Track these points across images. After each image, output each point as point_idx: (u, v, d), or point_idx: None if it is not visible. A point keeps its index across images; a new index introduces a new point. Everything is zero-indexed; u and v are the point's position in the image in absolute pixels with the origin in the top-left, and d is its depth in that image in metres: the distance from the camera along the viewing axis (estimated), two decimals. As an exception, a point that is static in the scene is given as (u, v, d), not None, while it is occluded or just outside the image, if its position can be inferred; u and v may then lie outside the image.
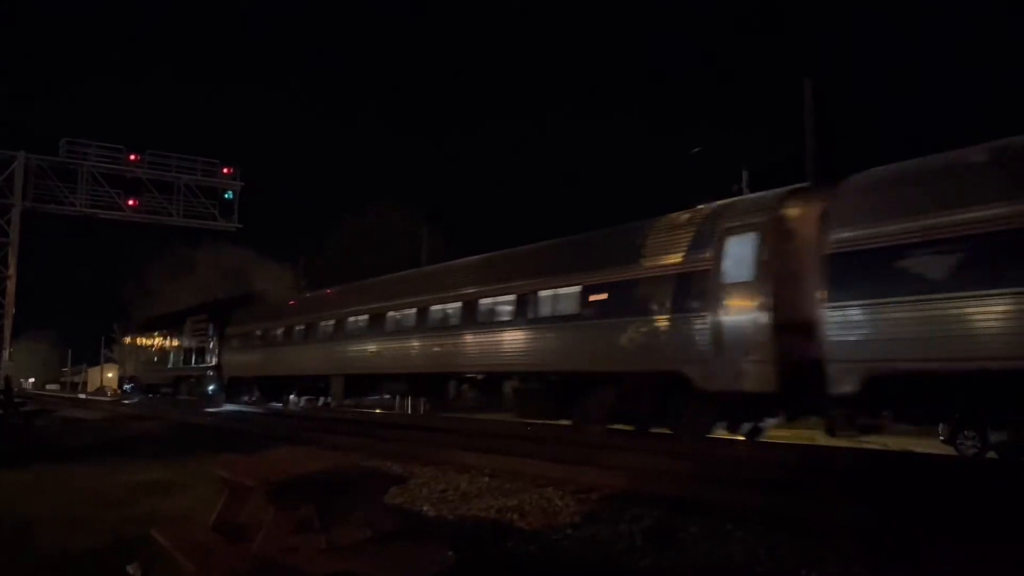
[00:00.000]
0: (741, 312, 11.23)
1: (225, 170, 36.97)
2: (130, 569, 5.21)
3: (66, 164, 33.29)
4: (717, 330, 11.47)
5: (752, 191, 20.29)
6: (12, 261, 32.25)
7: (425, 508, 7.44)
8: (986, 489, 7.74)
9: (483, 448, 11.79)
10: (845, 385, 9.71)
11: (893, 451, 13.34)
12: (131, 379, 44.75)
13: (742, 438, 12.58)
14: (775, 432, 15.51)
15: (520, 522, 6.75)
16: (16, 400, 23.71)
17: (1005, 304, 8.38)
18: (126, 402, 33.72)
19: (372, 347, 20.65)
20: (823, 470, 9.17)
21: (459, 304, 17.30)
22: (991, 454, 12.71)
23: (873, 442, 14.88)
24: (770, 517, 6.37)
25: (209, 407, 27.27)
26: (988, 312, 8.49)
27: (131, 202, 34.56)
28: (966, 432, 13.45)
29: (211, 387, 31.64)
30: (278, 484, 4.12)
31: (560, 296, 14.69)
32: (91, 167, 33.62)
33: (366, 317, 21.19)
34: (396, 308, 19.94)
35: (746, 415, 12.27)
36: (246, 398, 29.29)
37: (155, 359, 37.24)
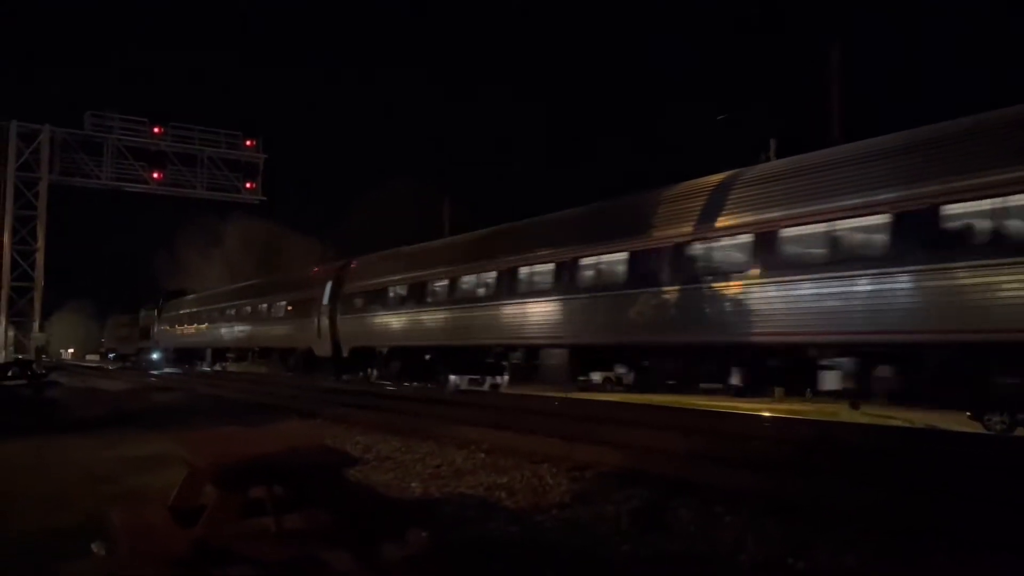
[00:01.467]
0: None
1: (248, 142, 36.98)
2: (94, 547, 5.09)
3: (91, 137, 33.51)
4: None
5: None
6: (40, 233, 32.65)
7: (414, 485, 7.28)
8: (1007, 469, 7.36)
9: (491, 423, 11.62)
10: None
11: (913, 428, 12.92)
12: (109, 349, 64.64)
13: None
14: (799, 407, 15.16)
15: (508, 500, 6.55)
16: (40, 372, 24.16)
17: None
18: (155, 373, 34.16)
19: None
20: (831, 448, 8.83)
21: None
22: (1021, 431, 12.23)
23: (898, 417, 14.47)
24: (764, 499, 6.09)
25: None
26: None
27: (155, 175, 34.75)
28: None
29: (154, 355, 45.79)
30: (221, 467, 3.93)
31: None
32: (116, 140, 33.80)
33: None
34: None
35: None
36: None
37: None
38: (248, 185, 36.88)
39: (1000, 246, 9.47)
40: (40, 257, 32.69)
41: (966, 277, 9.64)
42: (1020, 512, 5.34)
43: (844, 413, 15.66)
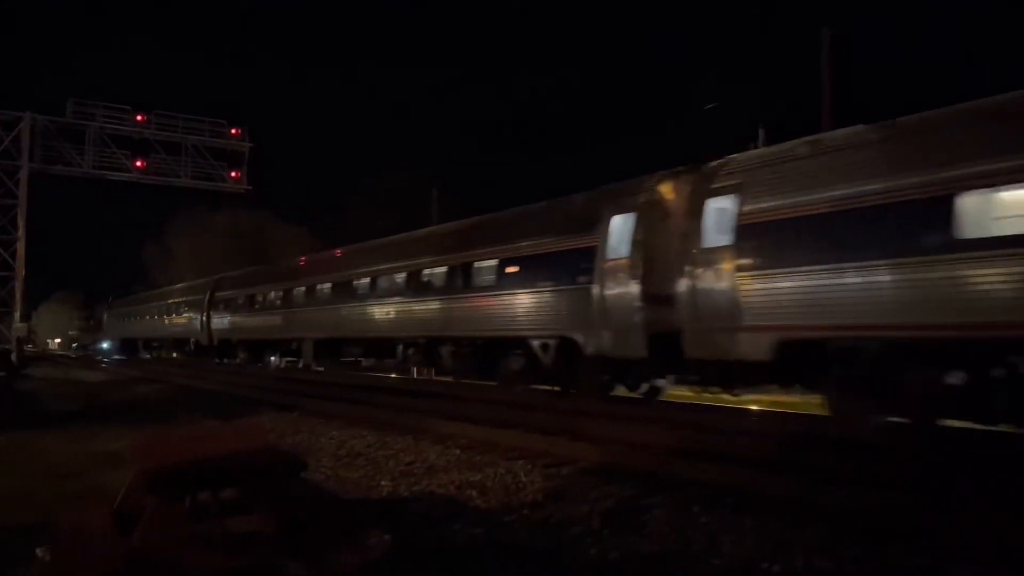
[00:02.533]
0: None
1: (233, 131, 36.46)
2: (39, 552, 4.86)
3: (73, 125, 32.92)
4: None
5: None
6: (21, 223, 32.14)
7: (383, 483, 7.07)
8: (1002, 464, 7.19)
9: (470, 417, 11.41)
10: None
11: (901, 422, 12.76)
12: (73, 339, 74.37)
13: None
14: (789, 399, 14.98)
15: (479, 499, 6.35)
16: (17, 363, 23.84)
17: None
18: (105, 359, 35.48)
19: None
20: (815, 443, 8.65)
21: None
22: None
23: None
24: (742, 498, 5.91)
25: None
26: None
27: (139, 163, 34.18)
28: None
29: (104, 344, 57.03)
30: (157, 471, 3.70)
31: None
32: (98, 128, 33.26)
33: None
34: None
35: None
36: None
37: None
38: (233, 174, 36.37)
39: None
40: (21, 246, 32.19)
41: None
42: (1010, 513, 5.16)
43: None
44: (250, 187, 37.21)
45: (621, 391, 13.75)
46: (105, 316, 57.09)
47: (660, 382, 13.42)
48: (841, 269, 9.07)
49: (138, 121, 34.27)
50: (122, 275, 72.75)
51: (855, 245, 8.90)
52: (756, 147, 23.76)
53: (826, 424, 9.83)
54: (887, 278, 8.64)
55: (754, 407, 13.01)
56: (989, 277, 7.83)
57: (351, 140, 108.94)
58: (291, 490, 4.23)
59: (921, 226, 8.40)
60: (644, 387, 13.56)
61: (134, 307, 48.35)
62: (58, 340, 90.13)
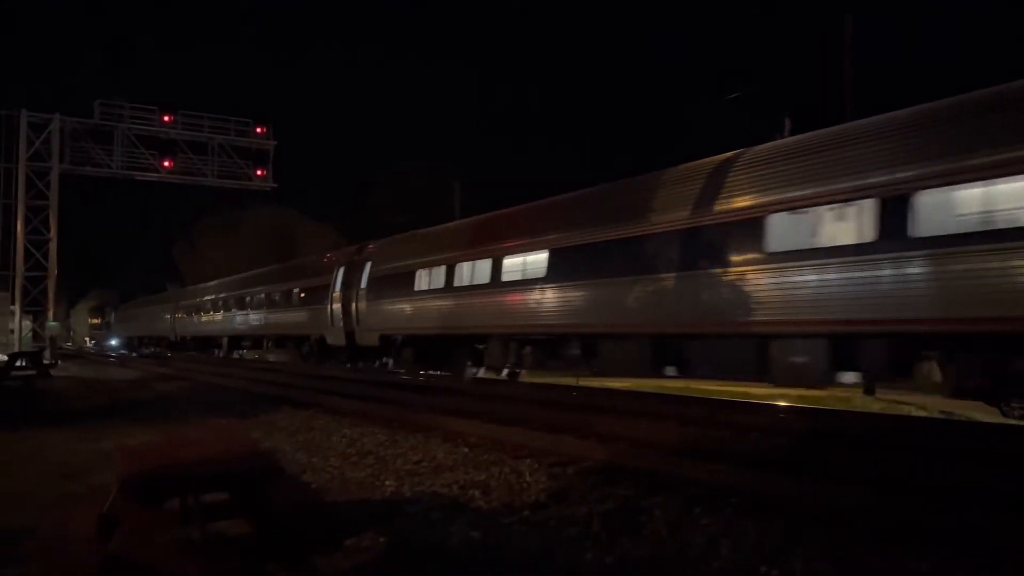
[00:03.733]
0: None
1: (259, 129, 36.73)
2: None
3: (101, 126, 33.35)
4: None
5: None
6: (53, 223, 32.65)
7: (388, 483, 7.02)
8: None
9: (484, 414, 11.38)
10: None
11: (927, 417, 12.50)
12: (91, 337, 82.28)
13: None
14: (815, 393, 14.68)
15: (481, 500, 6.28)
16: (48, 362, 24.27)
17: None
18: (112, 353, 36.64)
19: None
20: (829, 440, 8.47)
21: None
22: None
23: (912, 404, 14.03)
24: (746, 498, 5.78)
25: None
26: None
27: (166, 163, 34.55)
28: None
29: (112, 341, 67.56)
30: (132, 477, 3.68)
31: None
32: (126, 128, 33.68)
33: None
34: None
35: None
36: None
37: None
38: (259, 172, 36.63)
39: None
40: (53, 246, 32.73)
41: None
42: (1014, 511, 4.98)
43: (858, 400, 15.24)
44: (275, 185, 37.48)
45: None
46: (113, 319, 70.07)
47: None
48: (401, 299, 19.94)
49: (165, 121, 34.65)
50: (157, 273, 73.94)
51: (404, 284, 19.75)
52: (782, 137, 23.42)
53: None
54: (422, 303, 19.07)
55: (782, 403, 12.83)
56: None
57: (375, 136, 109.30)
58: (275, 494, 4.18)
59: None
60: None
61: (136, 309, 58.44)
62: (112, 340, 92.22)
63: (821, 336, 10.12)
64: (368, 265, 21.95)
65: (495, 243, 16.47)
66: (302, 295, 26.77)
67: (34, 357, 22.49)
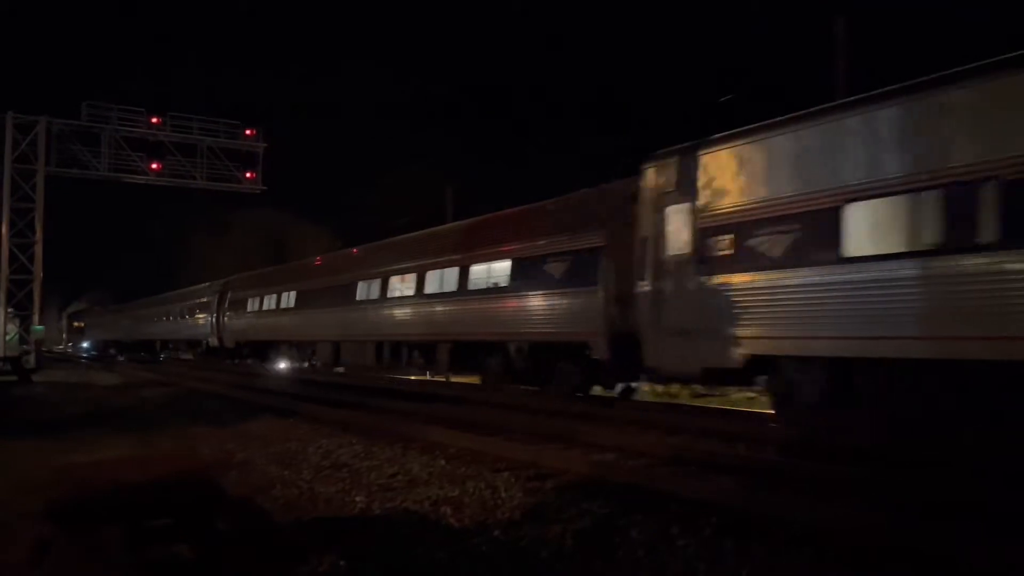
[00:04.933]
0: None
1: (248, 132, 36.42)
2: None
3: (88, 128, 33.00)
4: None
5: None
6: (38, 226, 32.25)
7: (358, 498, 6.76)
8: None
9: (462, 423, 11.14)
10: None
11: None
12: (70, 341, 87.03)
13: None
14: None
15: (452, 517, 6.03)
16: (29, 367, 23.93)
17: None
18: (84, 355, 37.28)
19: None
20: (818, 451, 8.23)
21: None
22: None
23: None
24: (728, 516, 5.54)
25: None
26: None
27: (154, 165, 34.20)
28: None
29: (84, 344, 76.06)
30: (62, 503, 3.43)
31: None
32: (113, 131, 33.33)
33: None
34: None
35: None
36: None
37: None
38: (248, 175, 36.31)
39: None
40: (39, 250, 32.36)
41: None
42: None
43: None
44: (265, 187, 37.11)
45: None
46: (85, 323, 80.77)
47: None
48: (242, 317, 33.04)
49: (152, 123, 34.27)
50: (148, 276, 73.63)
51: (243, 307, 32.76)
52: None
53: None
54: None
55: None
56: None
57: (365, 139, 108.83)
58: (221, 518, 3.93)
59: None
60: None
61: (106, 316, 68.98)
62: (85, 343, 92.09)
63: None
64: (229, 293, 34.88)
65: (277, 286, 30.33)
66: (197, 311, 39.48)
67: (15, 362, 22.14)
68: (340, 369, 26.64)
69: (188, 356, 43.20)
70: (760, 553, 4.79)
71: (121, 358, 49.43)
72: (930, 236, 8.33)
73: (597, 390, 14.53)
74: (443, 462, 8.20)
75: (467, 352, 17.73)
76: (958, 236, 8.05)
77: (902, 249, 8.56)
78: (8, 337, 31.96)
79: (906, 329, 8.42)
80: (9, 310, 31.90)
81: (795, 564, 4.61)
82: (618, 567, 4.76)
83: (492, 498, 6.55)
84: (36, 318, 32.52)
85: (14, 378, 20.87)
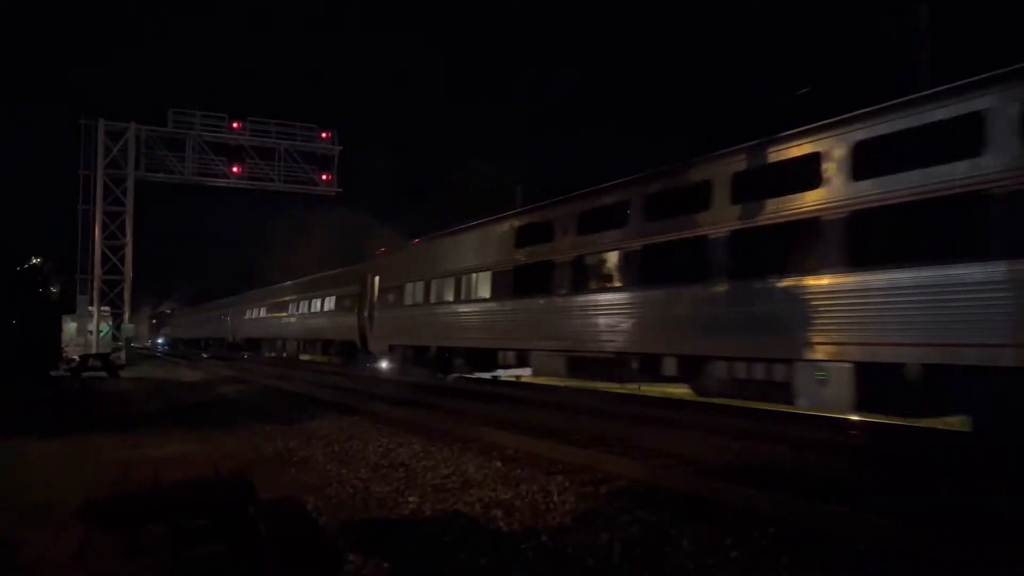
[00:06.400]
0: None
1: (324, 135, 37.27)
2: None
3: (174, 134, 34.41)
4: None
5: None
6: (129, 228, 33.82)
7: (411, 499, 6.75)
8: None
9: (526, 425, 11.07)
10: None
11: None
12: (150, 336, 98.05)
13: None
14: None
15: (502, 521, 5.96)
16: (119, 363, 25.02)
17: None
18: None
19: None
20: (894, 459, 7.83)
21: None
22: None
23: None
24: (785, 527, 5.30)
25: None
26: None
27: (235, 169, 35.44)
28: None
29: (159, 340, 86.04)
30: (94, 502, 3.49)
31: None
32: (197, 136, 34.64)
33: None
34: None
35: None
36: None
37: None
38: (324, 177, 37.20)
39: None
40: (129, 251, 33.90)
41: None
42: None
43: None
44: (340, 189, 37.95)
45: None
46: (159, 323, 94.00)
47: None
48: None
49: (234, 128, 35.47)
50: (232, 276, 76.44)
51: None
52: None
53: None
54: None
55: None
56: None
57: (436, 138, 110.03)
58: (262, 518, 3.95)
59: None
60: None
61: (177, 315, 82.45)
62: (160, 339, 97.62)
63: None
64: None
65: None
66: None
67: (104, 358, 23.19)
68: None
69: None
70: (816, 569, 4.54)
71: (205, 355, 51.24)
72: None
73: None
74: (499, 464, 8.13)
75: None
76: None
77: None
78: (102, 334, 33.63)
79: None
80: (104, 308, 33.61)
81: None
82: (664, 578, 4.59)
83: (544, 502, 6.45)
84: (126, 316, 34.09)
85: (104, 374, 21.78)
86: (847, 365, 9.40)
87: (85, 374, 21.41)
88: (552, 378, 17.11)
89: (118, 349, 32.10)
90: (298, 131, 36.62)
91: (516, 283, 16.36)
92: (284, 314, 38.87)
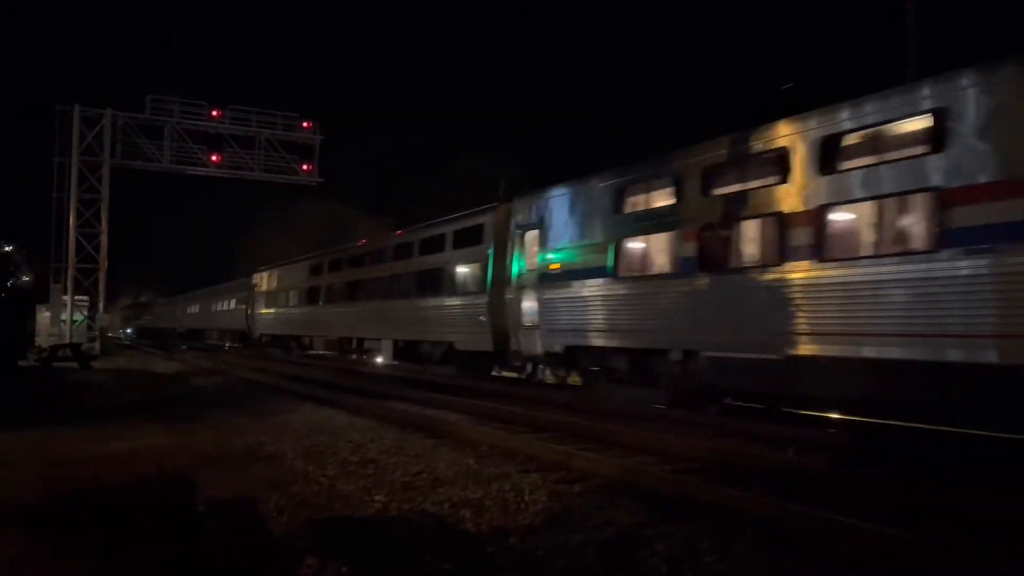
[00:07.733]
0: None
1: (305, 124, 36.75)
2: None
3: (152, 121, 33.78)
4: None
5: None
6: (104, 217, 33.20)
7: (378, 498, 6.50)
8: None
9: (502, 419, 10.85)
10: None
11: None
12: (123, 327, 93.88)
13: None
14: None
15: (469, 522, 5.73)
16: (92, 354, 24.56)
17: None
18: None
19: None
20: (875, 458, 7.67)
21: None
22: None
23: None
24: (763, 529, 5.10)
25: None
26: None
27: (214, 157, 34.84)
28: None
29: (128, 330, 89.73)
30: (39, 502, 3.22)
31: None
32: (175, 123, 34.03)
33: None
34: None
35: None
36: None
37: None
38: (305, 167, 36.69)
39: None
40: (104, 240, 33.30)
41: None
42: None
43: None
44: (322, 179, 37.46)
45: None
46: (128, 315, 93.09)
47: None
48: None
49: (213, 116, 34.87)
50: (210, 266, 75.75)
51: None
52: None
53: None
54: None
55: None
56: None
57: (423, 129, 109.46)
58: (208, 520, 3.69)
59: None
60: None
61: (140, 310, 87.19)
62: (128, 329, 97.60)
63: None
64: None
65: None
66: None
67: (76, 348, 22.75)
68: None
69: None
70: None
71: (183, 346, 50.66)
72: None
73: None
74: (471, 461, 7.91)
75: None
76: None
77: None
78: (76, 324, 33.04)
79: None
80: (81, 298, 33.00)
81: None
82: (637, 584, 4.38)
83: (515, 502, 6.23)
84: (101, 306, 33.51)
85: (75, 364, 21.36)
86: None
87: (55, 364, 20.99)
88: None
89: (93, 339, 31.51)
90: (279, 120, 36.12)
91: (308, 297, 30.03)
92: (211, 310, 49.07)
